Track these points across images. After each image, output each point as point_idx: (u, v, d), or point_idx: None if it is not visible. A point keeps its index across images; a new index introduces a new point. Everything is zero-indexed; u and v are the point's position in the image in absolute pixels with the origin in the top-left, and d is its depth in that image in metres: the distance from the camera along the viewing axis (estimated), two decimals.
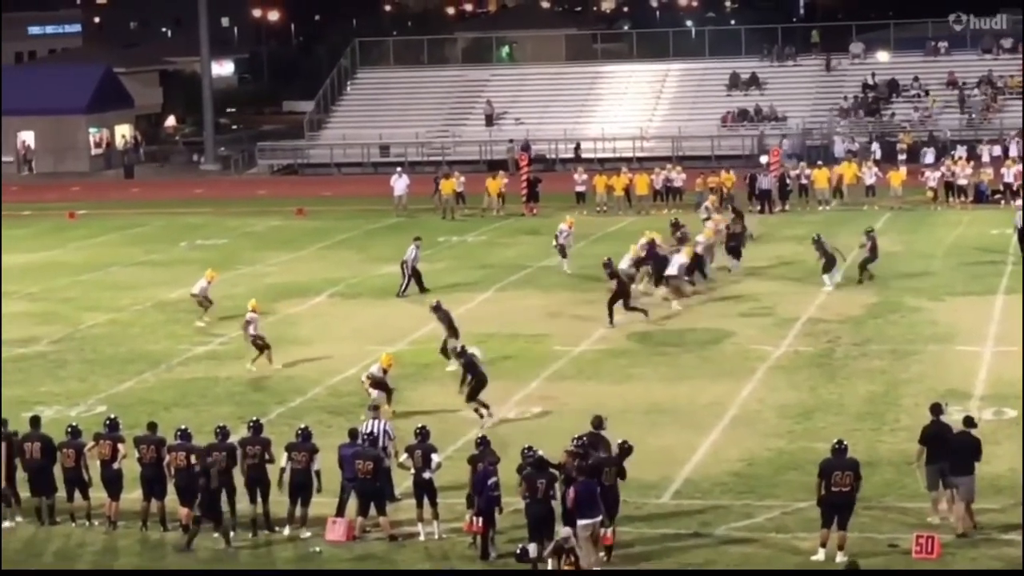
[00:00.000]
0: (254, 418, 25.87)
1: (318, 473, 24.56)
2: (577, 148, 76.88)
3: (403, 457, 24.44)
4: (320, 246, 53.33)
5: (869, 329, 37.72)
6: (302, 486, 24.52)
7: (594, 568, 22.39)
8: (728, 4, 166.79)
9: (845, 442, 23.29)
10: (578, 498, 22.49)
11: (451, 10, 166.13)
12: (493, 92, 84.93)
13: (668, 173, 60.92)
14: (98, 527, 25.05)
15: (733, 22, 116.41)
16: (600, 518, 22.64)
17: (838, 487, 22.70)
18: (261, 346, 35.43)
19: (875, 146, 71.11)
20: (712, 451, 27.97)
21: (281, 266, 49.91)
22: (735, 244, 45.29)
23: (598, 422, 24.92)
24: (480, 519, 23.33)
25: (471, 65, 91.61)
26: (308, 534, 24.43)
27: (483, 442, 24.21)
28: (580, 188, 60.92)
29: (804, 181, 59.54)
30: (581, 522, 22.43)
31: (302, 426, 25.41)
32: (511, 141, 77.54)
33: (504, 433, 28.51)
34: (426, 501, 24.19)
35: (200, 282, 41.40)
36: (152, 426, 25.70)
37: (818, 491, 22.93)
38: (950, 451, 23.77)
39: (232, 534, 24.31)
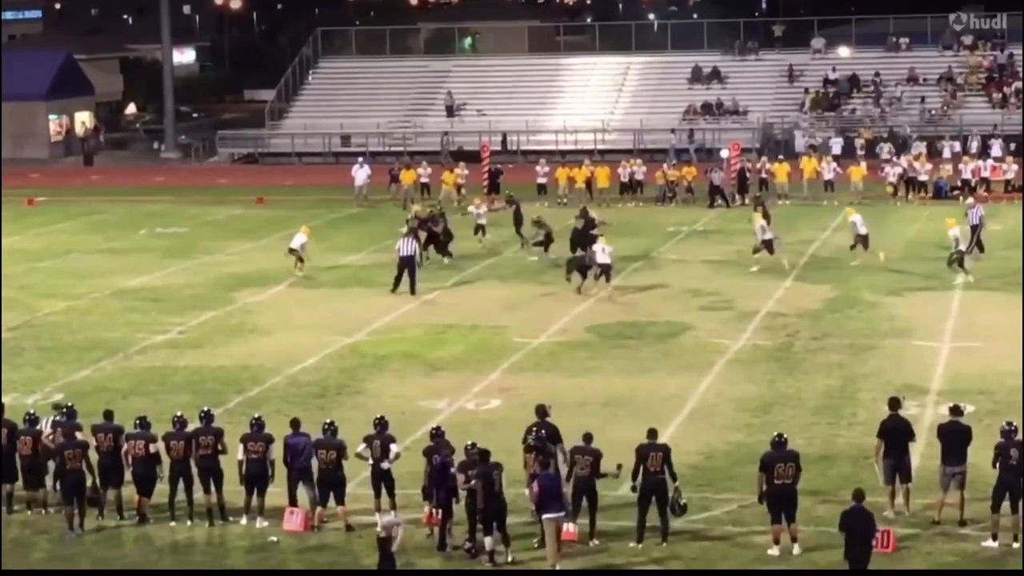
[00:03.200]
0: (205, 408, 25.83)
1: (273, 463, 24.57)
2: (504, 140, 76.45)
3: (361, 447, 24.43)
4: (280, 235, 53.09)
5: (827, 323, 37.93)
6: (258, 476, 24.51)
7: (553, 567, 22.47)
8: None
9: (784, 435, 23.45)
10: (542, 492, 22.55)
11: (414, 0, 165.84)
12: (455, 83, 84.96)
13: (632, 166, 61.19)
14: (54, 515, 24.97)
15: (696, 16, 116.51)
16: (564, 513, 22.74)
17: (781, 479, 22.84)
18: None
19: (835, 141, 71.37)
20: (670, 444, 27.93)
21: (241, 255, 49.91)
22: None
23: (543, 411, 24.99)
24: (440, 511, 23.39)
25: (433, 56, 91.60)
26: (265, 524, 24.44)
27: (438, 433, 24.22)
28: (541, 180, 61.03)
29: (764, 175, 59.82)
30: (545, 516, 22.50)
31: (256, 416, 25.40)
32: (445, 134, 77.86)
33: (462, 424, 28.55)
34: (384, 491, 24.25)
35: (299, 237, 44.70)
36: (109, 414, 25.69)
37: (760, 485, 23.06)
38: (941, 441, 24.04)
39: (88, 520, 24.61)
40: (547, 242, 46.76)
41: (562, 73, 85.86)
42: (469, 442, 23.75)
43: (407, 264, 42.30)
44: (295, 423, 25.13)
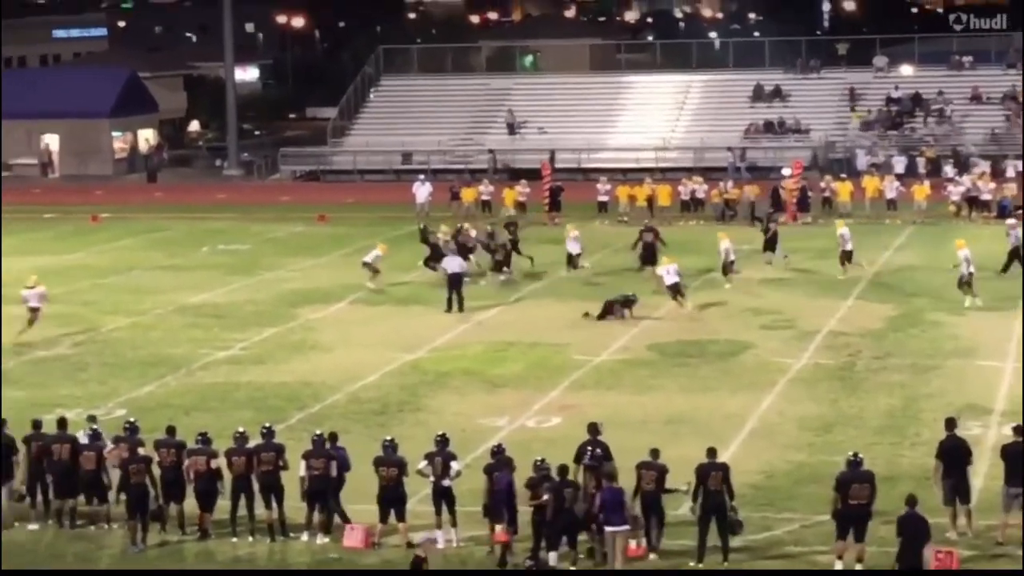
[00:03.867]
0: (267, 424, 25.85)
1: (334, 479, 24.54)
2: (552, 157, 75.83)
3: (422, 464, 24.38)
4: (342, 252, 53.32)
5: (890, 343, 37.65)
6: (320, 492, 24.51)
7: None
8: (752, 16, 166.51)
9: (860, 454, 23.33)
10: (604, 505, 22.70)
11: (475, 18, 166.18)
12: (516, 101, 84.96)
13: (693, 184, 61.05)
14: (116, 530, 25.07)
15: (757, 34, 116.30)
16: (627, 527, 22.81)
17: (856, 500, 22.71)
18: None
19: (897, 159, 70.94)
20: (731, 463, 27.78)
21: (303, 272, 49.92)
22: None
23: (595, 429, 25.01)
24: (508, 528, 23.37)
25: (495, 73, 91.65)
26: (325, 540, 24.45)
27: (499, 451, 24.21)
28: (603, 198, 60.93)
29: (827, 194, 59.54)
30: (608, 529, 22.67)
31: (317, 432, 25.42)
32: (491, 151, 77.91)
33: (523, 442, 28.46)
34: (444, 509, 24.22)
35: (374, 252, 45.94)
36: (171, 430, 25.71)
37: (834, 504, 22.93)
38: (1005, 462, 23.95)
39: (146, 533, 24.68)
40: (506, 260, 46.64)
41: (623, 91, 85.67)
42: (538, 458, 23.76)
43: (457, 281, 42.28)
44: (333, 437, 25.21)
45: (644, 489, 23.42)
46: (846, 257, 46.24)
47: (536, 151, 76.28)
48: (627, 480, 23.68)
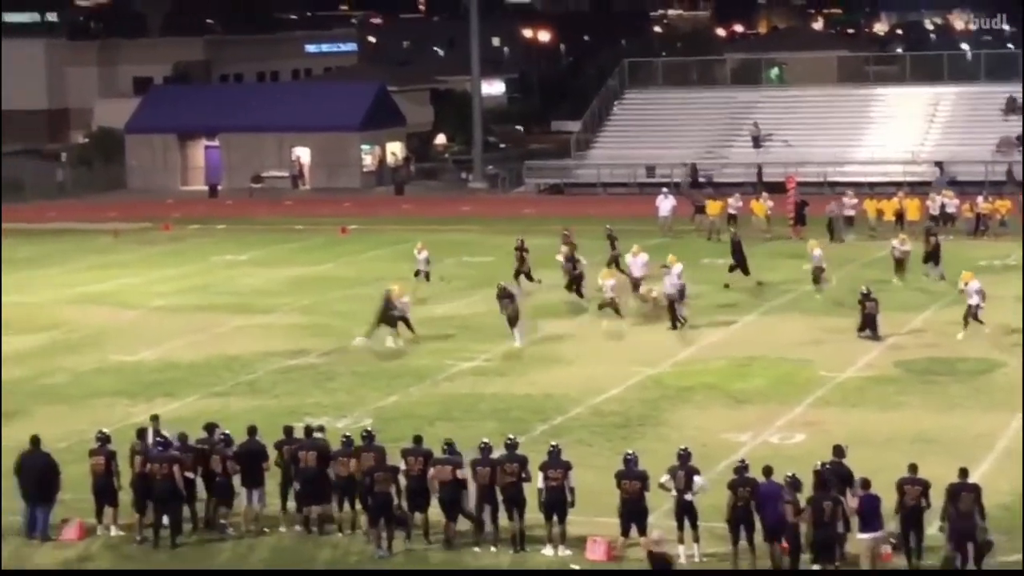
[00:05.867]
0: (510, 436, 26.00)
1: (572, 490, 24.59)
2: (759, 173, 75.08)
3: (664, 478, 24.36)
4: (584, 265, 53.28)
5: None
6: (558, 503, 24.57)
7: None
8: (1006, 28, 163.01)
9: None
10: (863, 508, 22.65)
11: (721, 31, 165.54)
12: (761, 113, 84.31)
13: (943, 198, 59.87)
14: (361, 537, 25.38)
15: (1010, 46, 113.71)
16: (881, 533, 22.74)
17: None
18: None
19: None
20: (981, 483, 27.21)
21: (545, 285, 50.03)
22: None
23: (840, 451, 24.79)
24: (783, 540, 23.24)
25: (740, 86, 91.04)
26: (568, 552, 24.46)
27: (742, 467, 24.09)
28: (849, 212, 60.09)
29: None
30: (861, 536, 22.62)
31: (553, 444, 25.47)
32: (686, 164, 77.90)
33: (765, 458, 28.06)
34: (687, 523, 24.11)
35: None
36: (418, 439, 25.95)
37: None
38: None
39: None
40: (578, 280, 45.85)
41: (871, 104, 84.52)
42: (789, 473, 23.56)
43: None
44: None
45: (908, 505, 23.15)
46: (817, 274, 46.04)
47: (782, 164, 75.61)
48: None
